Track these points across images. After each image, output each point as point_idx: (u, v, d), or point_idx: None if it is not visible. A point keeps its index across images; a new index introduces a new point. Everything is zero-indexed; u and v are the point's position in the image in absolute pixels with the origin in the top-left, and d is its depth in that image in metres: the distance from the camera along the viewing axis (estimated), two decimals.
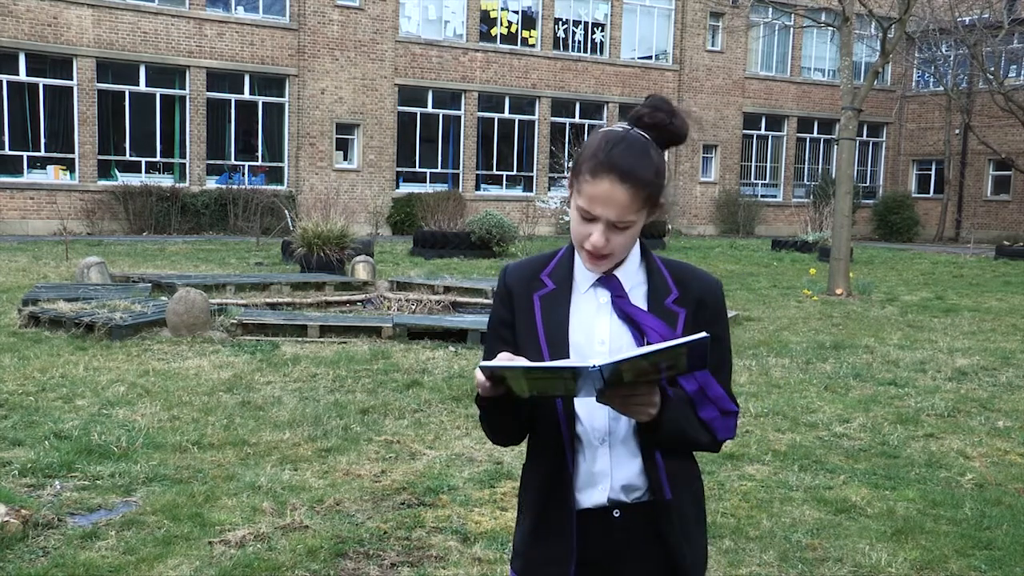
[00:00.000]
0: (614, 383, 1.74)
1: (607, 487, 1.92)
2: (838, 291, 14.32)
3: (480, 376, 1.78)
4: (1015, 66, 32.13)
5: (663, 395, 1.82)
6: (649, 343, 1.85)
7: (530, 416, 1.96)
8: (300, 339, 9.13)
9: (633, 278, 1.95)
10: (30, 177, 22.60)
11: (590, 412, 1.91)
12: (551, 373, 1.78)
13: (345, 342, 9.09)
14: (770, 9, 32.52)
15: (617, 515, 1.93)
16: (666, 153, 1.96)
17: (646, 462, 1.92)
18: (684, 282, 1.96)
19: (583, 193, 1.86)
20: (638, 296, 1.94)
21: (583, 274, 1.96)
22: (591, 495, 1.93)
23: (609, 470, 1.92)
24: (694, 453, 2.03)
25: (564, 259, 1.99)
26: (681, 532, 1.94)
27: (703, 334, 1.70)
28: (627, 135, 1.86)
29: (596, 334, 1.92)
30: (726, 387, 1.99)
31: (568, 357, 1.90)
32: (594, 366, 1.69)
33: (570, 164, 21.14)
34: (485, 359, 1.95)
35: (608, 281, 1.93)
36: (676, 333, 1.89)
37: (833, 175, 24.87)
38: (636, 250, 1.97)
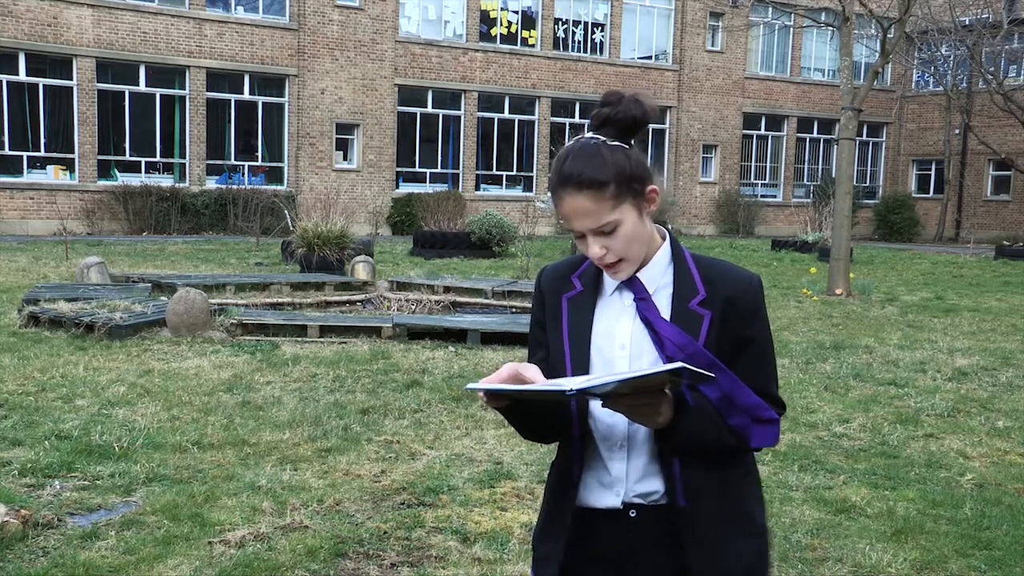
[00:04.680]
0: (614, 394, 1.73)
1: (621, 491, 1.91)
2: (838, 291, 14.32)
3: (479, 392, 1.80)
4: (1015, 66, 32.13)
5: (681, 403, 1.80)
6: (665, 352, 1.84)
7: (552, 416, 1.96)
8: (300, 339, 9.13)
9: (659, 279, 1.92)
10: (30, 177, 22.60)
11: (611, 417, 1.89)
12: (534, 395, 1.79)
13: (345, 342, 9.09)
14: (770, 9, 32.51)
15: (633, 515, 1.92)
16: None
17: (662, 468, 1.89)
18: (713, 281, 1.91)
19: (558, 213, 1.88)
20: (663, 298, 1.91)
21: (610, 276, 1.95)
22: (605, 498, 1.92)
23: (624, 475, 1.91)
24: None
25: None
26: (695, 538, 1.88)
27: (678, 364, 1.66)
28: (576, 145, 1.87)
29: (617, 338, 1.91)
30: (766, 390, 1.92)
31: (589, 360, 1.90)
32: (571, 390, 1.68)
33: None
34: (528, 360, 1.99)
35: (632, 283, 1.91)
36: (697, 340, 1.86)
37: (833, 175, 24.87)
38: (665, 249, 1.94)
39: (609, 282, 1.95)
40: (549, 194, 1.94)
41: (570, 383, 1.72)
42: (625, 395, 1.73)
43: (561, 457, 2.00)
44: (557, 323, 1.97)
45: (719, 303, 1.89)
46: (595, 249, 1.85)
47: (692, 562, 1.88)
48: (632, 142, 1.88)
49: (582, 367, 1.90)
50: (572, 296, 1.97)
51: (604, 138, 1.85)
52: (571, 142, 1.89)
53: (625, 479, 1.91)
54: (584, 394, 1.72)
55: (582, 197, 1.82)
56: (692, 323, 1.87)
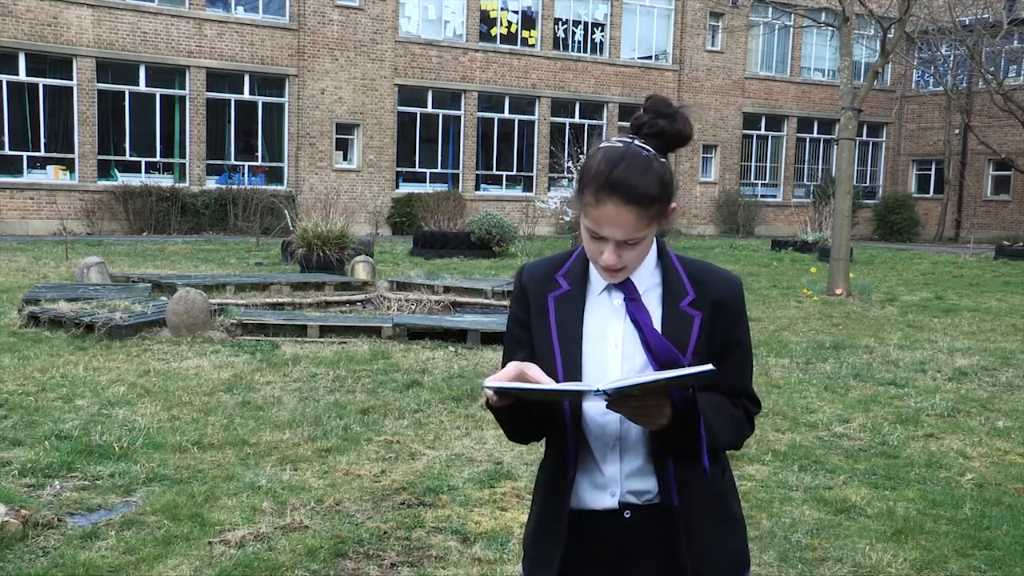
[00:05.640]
0: (621, 396, 1.73)
1: (616, 491, 1.91)
2: (838, 291, 14.32)
3: (487, 390, 1.78)
4: (1015, 66, 32.12)
5: (680, 405, 1.80)
6: (654, 356, 1.84)
7: (546, 417, 1.94)
8: (300, 339, 9.13)
9: (648, 280, 1.92)
10: (30, 177, 22.60)
11: (602, 417, 1.89)
12: (554, 395, 1.78)
13: (345, 342, 9.09)
14: (770, 9, 32.52)
15: (628, 516, 1.92)
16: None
17: (657, 468, 1.89)
18: (701, 282, 1.91)
19: (589, 215, 1.82)
20: (653, 298, 1.91)
21: (598, 275, 1.93)
22: (601, 499, 1.92)
23: (619, 475, 1.91)
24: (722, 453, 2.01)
25: (580, 259, 1.97)
26: (687, 538, 1.89)
27: (709, 367, 1.67)
28: (627, 152, 1.80)
29: (609, 337, 1.90)
30: (745, 388, 1.96)
31: (580, 359, 1.90)
32: (597, 390, 1.68)
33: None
34: (503, 360, 1.97)
35: (623, 283, 1.91)
36: (689, 340, 1.87)
37: (833, 175, 24.87)
38: (652, 250, 1.93)
39: (596, 281, 1.94)
40: (573, 191, 1.92)
41: (597, 383, 1.72)
42: (633, 396, 1.73)
43: (552, 458, 2.00)
44: (543, 323, 1.94)
45: (708, 304, 1.90)
46: (611, 257, 1.83)
47: (684, 560, 1.89)
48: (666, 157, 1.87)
49: (573, 366, 1.89)
50: (559, 295, 1.95)
51: (653, 151, 1.82)
52: (617, 144, 1.83)
53: (619, 479, 1.91)
54: (606, 395, 1.71)
55: (627, 210, 1.78)
56: (684, 324, 1.88)
